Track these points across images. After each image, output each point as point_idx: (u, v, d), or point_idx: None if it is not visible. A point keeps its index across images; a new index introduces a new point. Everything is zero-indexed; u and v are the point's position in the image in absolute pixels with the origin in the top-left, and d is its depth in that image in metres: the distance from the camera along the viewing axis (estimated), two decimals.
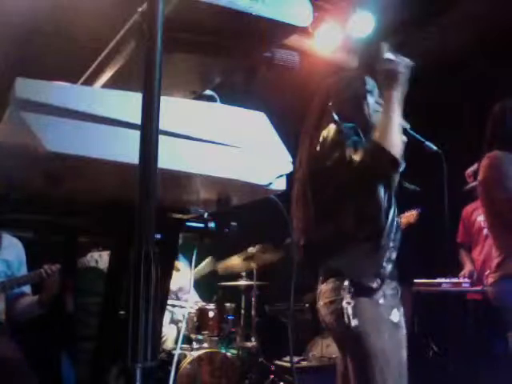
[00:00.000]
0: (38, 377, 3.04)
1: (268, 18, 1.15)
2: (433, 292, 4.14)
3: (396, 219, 2.26)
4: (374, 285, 2.16)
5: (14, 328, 3.34)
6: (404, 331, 2.24)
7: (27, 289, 3.43)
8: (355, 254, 2.21)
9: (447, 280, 4.09)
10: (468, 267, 4.16)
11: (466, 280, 4.04)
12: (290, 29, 1.21)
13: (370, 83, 2.40)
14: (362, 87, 2.38)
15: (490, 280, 2.96)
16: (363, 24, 4.68)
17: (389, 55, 2.22)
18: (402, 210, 3.56)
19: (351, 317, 2.17)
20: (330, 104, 2.35)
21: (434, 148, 2.43)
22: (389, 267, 2.20)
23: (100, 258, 3.05)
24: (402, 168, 2.20)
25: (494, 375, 3.61)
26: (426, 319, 4.30)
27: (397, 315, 2.19)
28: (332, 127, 2.26)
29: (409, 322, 3.68)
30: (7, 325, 3.32)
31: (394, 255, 2.23)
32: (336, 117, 2.30)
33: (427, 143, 2.44)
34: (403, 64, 2.19)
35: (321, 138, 2.26)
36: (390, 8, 4.44)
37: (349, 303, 2.17)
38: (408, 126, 2.35)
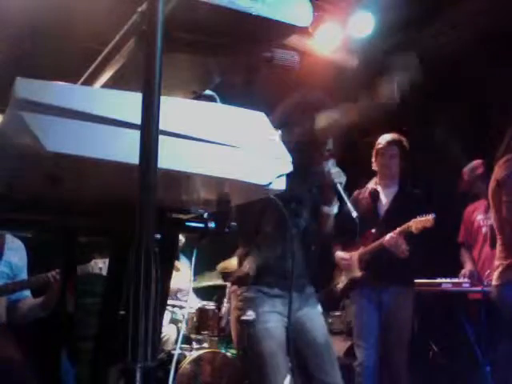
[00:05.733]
0: (38, 377, 3.04)
1: (268, 17, 1.15)
2: (433, 292, 4.14)
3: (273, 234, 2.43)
4: None
5: (14, 328, 3.34)
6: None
7: (27, 292, 3.43)
8: None
9: (447, 280, 4.09)
10: (468, 267, 4.16)
11: (466, 280, 4.04)
12: (290, 29, 1.20)
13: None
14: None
15: (495, 282, 2.97)
16: (363, 24, 4.68)
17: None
18: (405, 212, 3.56)
19: None
20: None
21: (354, 214, 2.47)
22: None
23: (104, 266, 3.06)
24: None
25: (494, 375, 3.61)
26: (426, 319, 4.30)
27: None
28: None
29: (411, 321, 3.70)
30: (7, 325, 3.32)
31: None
32: None
33: (349, 206, 2.48)
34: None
35: None
36: (390, 8, 4.44)
37: None
38: (343, 180, 2.46)
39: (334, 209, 2.57)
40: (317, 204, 2.57)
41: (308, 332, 2.45)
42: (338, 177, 2.45)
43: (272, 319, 2.37)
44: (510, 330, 3.02)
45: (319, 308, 2.57)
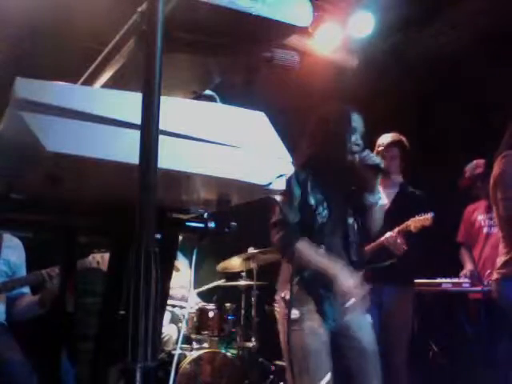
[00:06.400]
0: (38, 377, 3.04)
1: (268, 17, 1.15)
2: (433, 292, 4.14)
3: None
4: None
5: (14, 328, 3.34)
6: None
7: (26, 289, 3.44)
8: None
9: (447, 280, 4.09)
10: (469, 267, 4.16)
11: (466, 280, 4.04)
12: (290, 29, 1.20)
13: (356, 120, 2.50)
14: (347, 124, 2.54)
15: (495, 276, 2.99)
16: (363, 24, 4.68)
17: None
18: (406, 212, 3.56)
19: None
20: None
21: None
22: None
23: (102, 260, 3.05)
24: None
25: (494, 375, 3.61)
26: (426, 319, 4.30)
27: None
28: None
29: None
30: (8, 325, 3.33)
31: None
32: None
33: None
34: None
35: None
36: (390, 8, 4.44)
37: None
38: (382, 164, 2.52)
39: (379, 197, 2.55)
40: (358, 199, 2.55)
41: (354, 338, 2.41)
42: (376, 159, 2.50)
43: (316, 317, 2.37)
44: (511, 329, 3.04)
45: (367, 316, 2.55)
